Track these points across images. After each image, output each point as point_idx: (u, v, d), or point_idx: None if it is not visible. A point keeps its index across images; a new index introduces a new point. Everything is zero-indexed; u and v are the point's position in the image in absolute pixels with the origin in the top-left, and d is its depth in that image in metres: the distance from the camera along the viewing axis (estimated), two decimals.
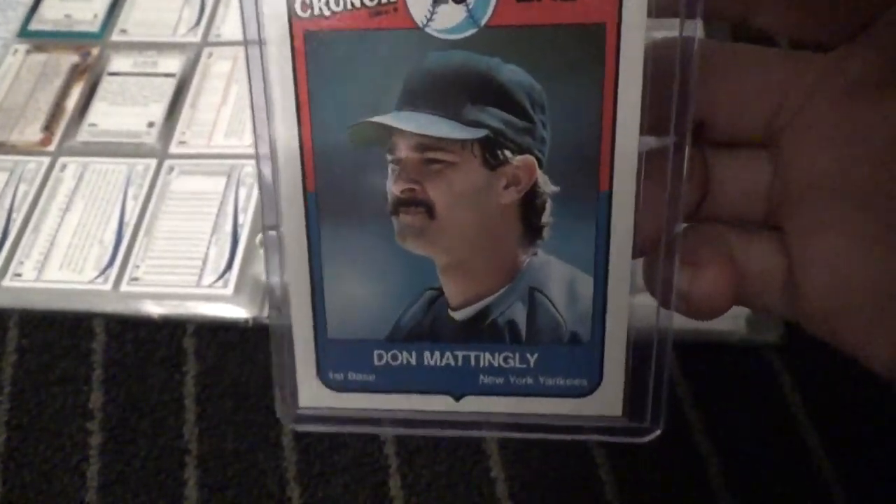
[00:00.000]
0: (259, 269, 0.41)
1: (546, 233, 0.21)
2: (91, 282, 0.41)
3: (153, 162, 0.45)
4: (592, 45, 0.19)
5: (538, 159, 0.20)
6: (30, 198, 0.44)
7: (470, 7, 0.19)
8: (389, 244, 0.21)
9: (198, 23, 0.52)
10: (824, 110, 0.21)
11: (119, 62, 0.50)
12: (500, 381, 0.22)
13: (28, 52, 0.51)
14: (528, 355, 0.22)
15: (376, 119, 0.20)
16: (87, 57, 0.51)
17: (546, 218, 0.21)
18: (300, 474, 0.35)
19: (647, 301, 0.21)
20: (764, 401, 0.36)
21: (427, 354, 0.22)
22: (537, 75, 0.20)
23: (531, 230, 0.21)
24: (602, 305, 0.21)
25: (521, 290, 0.21)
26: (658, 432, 0.22)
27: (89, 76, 0.49)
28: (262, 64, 0.21)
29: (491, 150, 0.20)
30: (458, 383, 0.22)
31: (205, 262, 0.41)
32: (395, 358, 0.22)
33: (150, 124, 0.47)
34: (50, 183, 0.45)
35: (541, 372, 0.22)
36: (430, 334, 0.22)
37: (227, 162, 0.45)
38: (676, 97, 0.20)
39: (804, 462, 0.34)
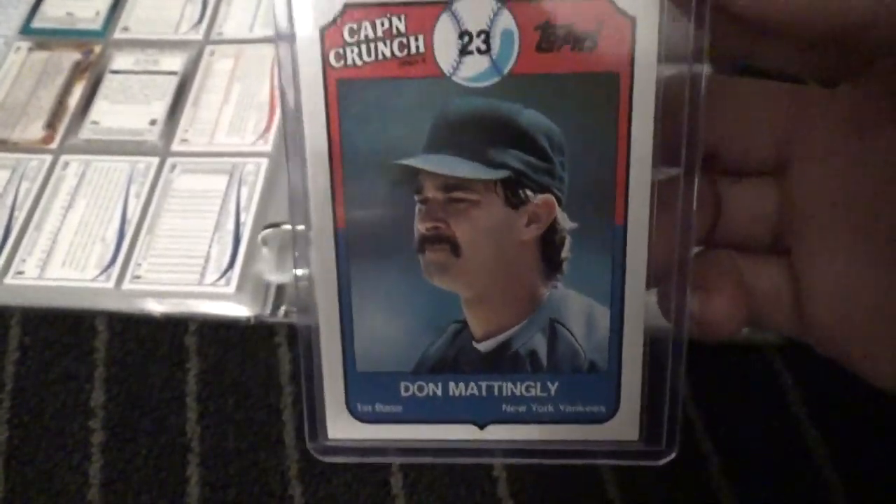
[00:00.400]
0: (261, 267, 0.41)
1: (565, 267, 0.22)
2: (93, 280, 0.41)
3: (155, 160, 0.45)
4: (607, 92, 0.21)
5: (557, 198, 0.22)
6: (32, 196, 0.44)
7: (493, 57, 0.21)
8: (416, 280, 0.22)
9: (200, 20, 0.52)
10: (829, 141, 0.22)
11: (121, 60, 0.50)
12: (522, 409, 0.23)
13: (30, 49, 0.51)
14: (549, 384, 0.23)
15: (405, 161, 0.21)
16: (89, 55, 0.51)
17: (565, 253, 0.22)
18: (302, 472, 0.35)
19: (662, 326, 0.22)
20: (765, 400, 0.36)
21: (452, 385, 0.23)
22: (556, 119, 0.21)
23: (551, 265, 0.22)
24: (619, 335, 0.22)
25: (542, 322, 0.22)
26: (673, 455, 0.23)
27: (91, 74, 0.50)
28: (297, 108, 0.21)
29: (513, 189, 0.21)
30: (483, 412, 0.23)
31: (207, 260, 0.41)
32: (421, 389, 0.23)
33: (153, 122, 0.47)
34: (52, 181, 0.45)
35: (561, 400, 0.23)
36: (454, 366, 0.23)
37: (229, 160, 0.45)
38: (686, 132, 0.21)
39: (805, 461, 0.34)
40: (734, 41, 0.21)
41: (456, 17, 0.21)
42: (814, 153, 0.22)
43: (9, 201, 0.44)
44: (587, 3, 0.20)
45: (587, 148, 0.21)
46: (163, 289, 0.40)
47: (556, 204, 0.22)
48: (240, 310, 0.40)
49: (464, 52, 0.21)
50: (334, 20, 0.20)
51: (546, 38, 0.20)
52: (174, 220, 0.43)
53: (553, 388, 0.23)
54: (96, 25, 0.52)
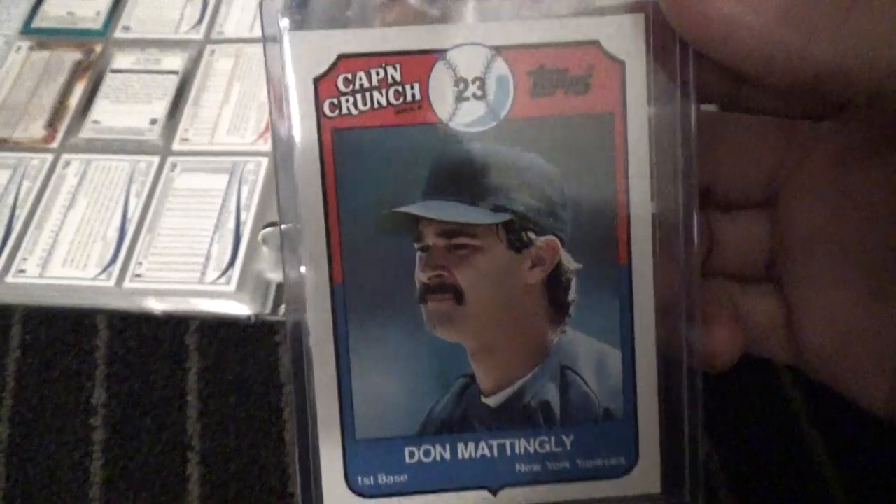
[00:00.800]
0: (261, 265, 0.41)
1: (572, 310, 0.22)
2: (94, 278, 0.41)
3: (156, 159, 0.45)
4: (602, 132, 0.21)
5: (561, 239, 0.21)
6: (33, 194, 0.44)
7: (489, 102, 0.21)
8: (419, 333, 0.21)
9: (200, 20, 0.52)
10: (817, 174, 0.22)
11: (122, 59, 0.50)
12: (537, 468, 0.22)
13: (31, 49, 0.51)
14: (564, 437, 0.22)
15: (404, 209, 0.21)
16: (89, 54, 0.51)
17: (572, 295, 0.21)
18: None
19: (673, 362, 0.22)
20: (765, 399, 0.36)
21: (461, 447, 0.22)
22: (554, 161, 0.21)
23: (558, 308, 0.22)
24: (632, 378, 0.22)
25: (553, 370, 0.22)
26: (699, 502, 0.22)
27: (92, 73, 0.50)
28: (291, 159, 0.21)
29: (515, 232, 0.21)
30: (495, 475, 0.22)
31: (207, 258, 0.41)
32: (427, 454, 0.22)
33: (153, 121, 0.47)
34: (53, 180, 0.45)
35: (577, 454, 0.22)
36: (463, 424, 0.22)
37: (229, 159, 0.45)
38: (682, 167, 0.21)
39: (805, 461, 0.34)
40: (717, 84, 0.21)
41: (451, 65, 0.21)
42: (803, 186, 0.23)
43: (10, 200, 0.44)
44: (577, 50, 0.21)
45: (586, 187, 0.21)
46: (163, 287, 0.40)
47: (560, 245, 0.21)
48: (240, 308, 0.40)
49: (460, 98, 0.21)
50: (328, 71, 0.20)
51: (540, 83, 0.21)
52: (175, 219, 0.43)
53: (568, 441, 0.22)
54: (97, 25, 0.52)
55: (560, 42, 0.21)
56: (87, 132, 0.47)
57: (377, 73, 0.20)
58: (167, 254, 0.41)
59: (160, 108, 0.47)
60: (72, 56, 0.51)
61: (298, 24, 0.20)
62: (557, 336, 0.22)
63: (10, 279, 0.41)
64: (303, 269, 0.21)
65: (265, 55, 0.20)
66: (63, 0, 0.54)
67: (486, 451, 0.22)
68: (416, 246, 0.21)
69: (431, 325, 0.21)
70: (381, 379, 0.21)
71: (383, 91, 0.21)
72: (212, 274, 0.40)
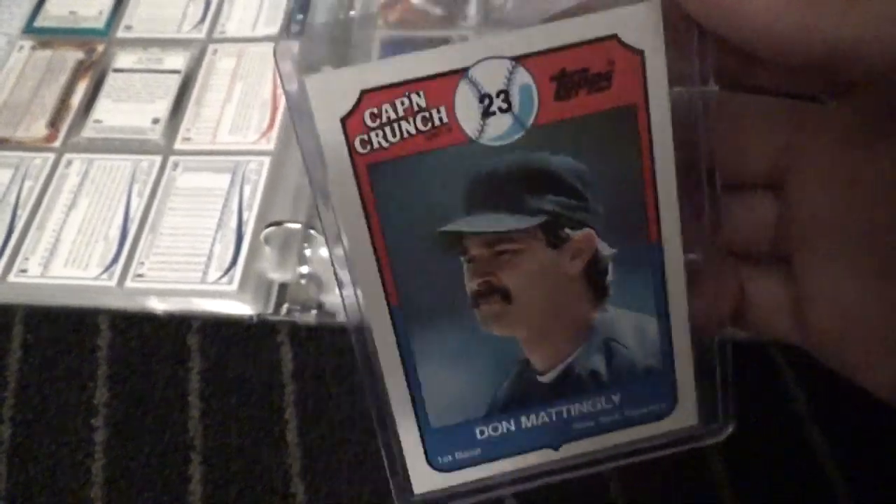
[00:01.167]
0: (263, 265, 0.41)
1: (611, 290, 0.23)
2: (96, 278, 0.41)
3: (158, 158, 0.45)
4: (627, 124, 0.22)
5: (595, 230, 0.22)
6: (35, 194, 0.44)
7: (515, 113, 0.21)
8: (476, 333, 0.23)
9: (203, 19, 0.52)
10: (823, 155, 0.23)
11: (124, 59, 0.50)
12: (591, 424, 0.24)
13: (33, 48, 0.51)
14: (613, 396, 0.24)
15: (450, 228, 0.22)
16: (91, 53, 0.51)
17: (609, 277, 0.23)
18: (304, 470, 0.35)
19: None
20: (767, 396, 0.36)
21: (524, 419, 0.24)
22: (583, 158, 0.22)
23: (598, 291, 0.23)
24: (668, 338, 0.24)
25: (597, 343, 0.24)
26: (731, 428, 0.25)
27: (94, 73, 0.50)
28: (328, 197, 0.22)
29: (553, 231, 0.22)
30: (555, 435, 0.24)
31: (209, 258, 0.41)
32: (495, 429, 0.24)
33: (155, 121, 0.47)
34: (55, 179, 0.45)
35: (625, 407, 0.24)
36: (523, 401, 0.24)
37: (231, 158, 0.45)
38: (704, 145, 0.22)
39: (807, 458, 0.34)
40: (729, 65, 0.22)
41: (474, 83, 0.21)
42: (810, 167, 0.23)
43: (12, 200, 0.44)
44: (596, 46, 0.21)
45: (616, 178, 0.22)
46: (165, 287, 0.40)
47: (596, 236, 0.22)
48: (242, 308, 0.40)
49: (486, 113, 0.21)
50: (354, 108, 0.20)
51: (563, 86, 0.21)
52: (177, 219, 0.43)
53: (616, 398, 0.24)
54: (99, 24, 0.52)
55: (579, 41, 0.21)
56: (89, 131, 0.47)
57: (402, 103, 0.21)
58: (169, 253, 0.41)
59: (162, 108, 0.47)
60: (74, 55, 0.51)
61: (314, 67, 0.20)
62: (599, 314, 0.23)
63: (12, 279, 0.41)
64: (359, 291, 0.22)
65: (287, 103, 0.21)
66: None
67: (547, 419, 0.24)
68: (463, 258, 0.22)
69: (486, 325, 0.23)
70: (447, 377, 0.23)
71: (410, 120, 0.21)
72: (214, 274, 0.40)
